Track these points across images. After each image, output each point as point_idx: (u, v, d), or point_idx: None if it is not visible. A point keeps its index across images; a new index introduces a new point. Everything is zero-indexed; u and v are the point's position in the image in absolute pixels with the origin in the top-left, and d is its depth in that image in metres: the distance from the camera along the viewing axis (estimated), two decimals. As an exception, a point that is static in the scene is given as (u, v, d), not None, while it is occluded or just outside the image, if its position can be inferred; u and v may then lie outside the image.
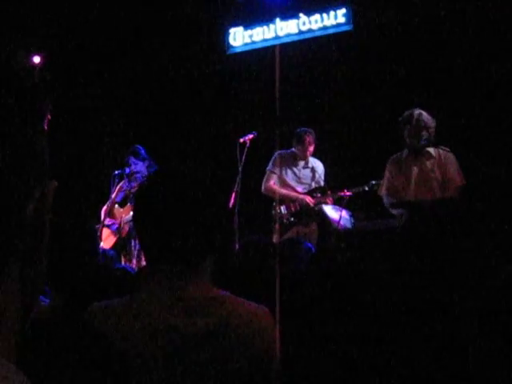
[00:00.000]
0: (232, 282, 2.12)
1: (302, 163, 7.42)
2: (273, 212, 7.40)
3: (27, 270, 0.71)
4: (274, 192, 7.33)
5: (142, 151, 7.40)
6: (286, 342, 1.85)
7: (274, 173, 7.38)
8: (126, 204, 7.40)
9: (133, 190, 7.16)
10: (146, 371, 1.68)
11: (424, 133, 5.91)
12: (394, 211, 6.05)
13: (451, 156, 5.97)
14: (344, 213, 6.71)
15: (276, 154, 7.41)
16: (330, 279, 2.13)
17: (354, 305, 1.96)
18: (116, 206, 7.54)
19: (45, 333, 1.27)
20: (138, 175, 7.27)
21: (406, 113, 5.99)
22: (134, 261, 7.10)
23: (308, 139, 7.26)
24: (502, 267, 1.85)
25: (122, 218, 7.37)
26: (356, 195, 6.88)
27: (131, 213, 7.03)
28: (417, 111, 5.95)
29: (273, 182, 7.38)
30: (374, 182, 6.67)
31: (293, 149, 7.40)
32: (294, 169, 7.42)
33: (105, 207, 7.54)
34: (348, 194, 6.91)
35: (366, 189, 6.77)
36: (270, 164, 7.42)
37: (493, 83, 6.84)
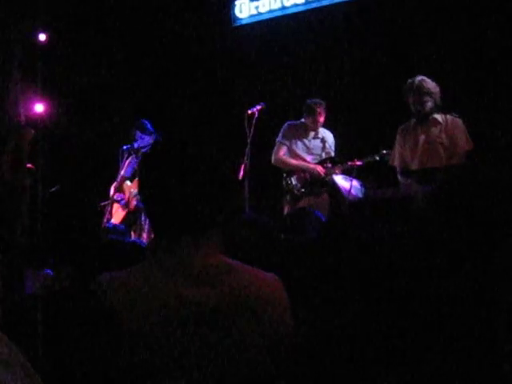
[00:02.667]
0: (239, 252, 2.10)
1: (312, 134, 7.38)
2: (283, 183, 7.38)
3: (4, 229, 0.70)
4: (284, 163, 7.32)
5: (148, 125, 7.39)
6: (295, 312, 1.83)
7: (284, 144, 7.36)
8: (134, 179, 7.40)
9: (140, 165, 7.15)
10: (155, 342, 1.67)
11: (427, 99, 5.87)
12: (403, 180, 6.02)
13: (459, 121, 5.93)
14: (354, 182, 6.69)
15: (285, 124, 7.38)
16: (341, 248, 2.11)
17: (364, 273, 1.94)
18: (127, 181, 7.55)
19: (53, 304, 1.26)
20: (145, 149, 7.26)
21: (409, 80, 5.97)
22: (145, 235, 7.11)
23: (319, 110, 7.22)
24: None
25: (130, 192, 7.38)
26: (367, 164, 6.85)
27: (139, 187, 7.02)
28: (418, 78, 5.93)
29: (283, 153, 7.36)
30: (384, 152, 6.64)
31: (302, 119, 7.36)
32: (304, 140, 7.38)
33: (114, 183, 7.55)
34: (358, 163, 6.88)
35: (377, 158, 6.74)
36: (280, 135, 7.39)
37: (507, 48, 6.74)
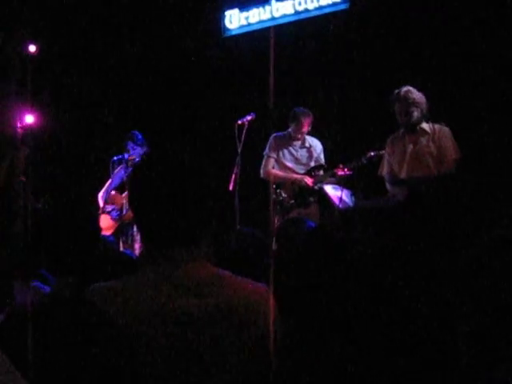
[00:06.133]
0: (228, 262, 2.12)
1: (298, 143, 7.40)
2: (273, 196, 7.38)
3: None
4: (272, 176, 7.33)
5: (140, 137, 7.40)
6: (283, 321, 1.85)
7: (272, 156, 7.39)
8: (124, 190, 7.37)
9: (131, 176, 7.10)
10: (145, 350, 1.68)
11: (413, 109, 5.90)
12: (392, 190, 6.04)
13: (446, 130, 5.97)
14: (345, 191, 6.69)
15: (271, 137, 7.42)
16: (331, 257, 2.13)
17: (354, 282, 1.96)
18: (113, 191, 7.52)
19: (48, 317, 1.27)
20: (136, 160, 7.24)
21: (395, 91, 5.99)
22: (137, 246, 7.09)
23: (302, 119, 7.22)
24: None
25: (123, 204, 7.36)
26: (357, 171, 6.81)
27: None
28: (404, 88, 5.95)
29: (271, 166, 7.39)
30: (372, 153, 6.61)
31: (289, 129, 7.38)
32: (291, 149, 7.40)
33: (101, 193, 7.53)
34: (348, 172, 6.84)
35: (364, 162, 6.70)
36: (267, 148, 7.42)
37: (493, 59, 6.77)
